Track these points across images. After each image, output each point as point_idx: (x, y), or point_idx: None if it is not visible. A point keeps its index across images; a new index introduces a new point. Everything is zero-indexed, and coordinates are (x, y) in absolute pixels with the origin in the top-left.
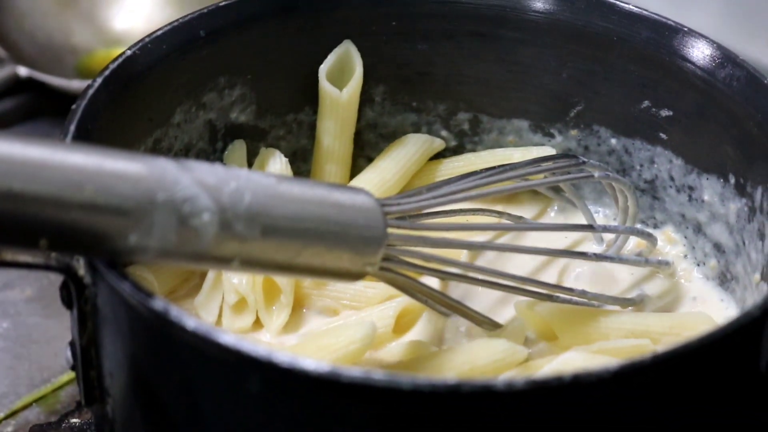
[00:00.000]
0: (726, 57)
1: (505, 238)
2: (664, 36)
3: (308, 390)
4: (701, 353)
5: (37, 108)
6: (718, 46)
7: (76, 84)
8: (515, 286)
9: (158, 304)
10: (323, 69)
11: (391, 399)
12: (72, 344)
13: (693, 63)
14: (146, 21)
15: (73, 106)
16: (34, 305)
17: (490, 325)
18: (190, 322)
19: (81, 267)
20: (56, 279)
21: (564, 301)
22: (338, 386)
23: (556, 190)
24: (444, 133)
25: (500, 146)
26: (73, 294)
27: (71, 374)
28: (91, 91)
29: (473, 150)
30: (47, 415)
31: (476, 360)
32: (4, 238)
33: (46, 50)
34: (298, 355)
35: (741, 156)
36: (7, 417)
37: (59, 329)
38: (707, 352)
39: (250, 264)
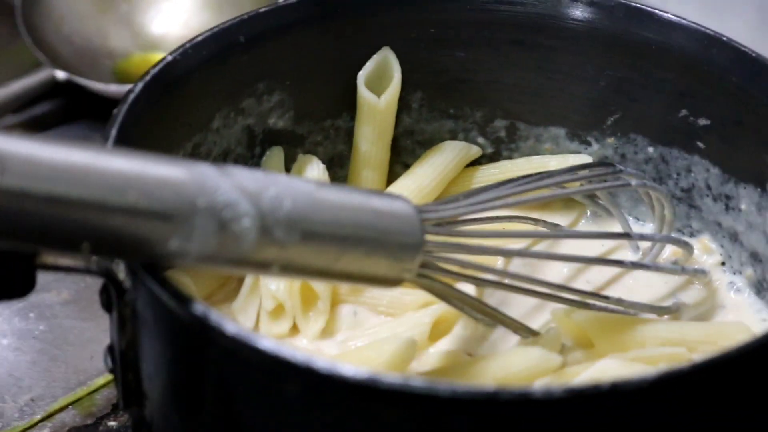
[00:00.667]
0: (763, 66)
1: (542, 246)
2: (702, 45)
3: (347, 396)
4: (739, 362)
5: (75, 111)
6: (756, 56)
7: (113, 88)
8: (551, 293)
9: (198, 308)
10: (362, 75)
11: (429, 406)
12: (111, 347)
13: (731, 72)
14: (183, 26)
15: (115, 111)
16: (70, 308)
17: (526, 332)
18: (229, 327)
19: (121, 271)
20: (92, 282)
21: (600, 308)
22: (377, 393)
23: (592, 197)
24: (481, 140)
25: (537, 154)
26: (112, 298)
27: (107, 377)
28: (132, 96)
29: (510, 157)
30: (83, 418)
31: (510, 367)
32: (47, 242)
33: (83, 54)
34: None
35: None
36: (43, 419)
37: (95, 332)
38: (745, 362)
39: (289, 269)
